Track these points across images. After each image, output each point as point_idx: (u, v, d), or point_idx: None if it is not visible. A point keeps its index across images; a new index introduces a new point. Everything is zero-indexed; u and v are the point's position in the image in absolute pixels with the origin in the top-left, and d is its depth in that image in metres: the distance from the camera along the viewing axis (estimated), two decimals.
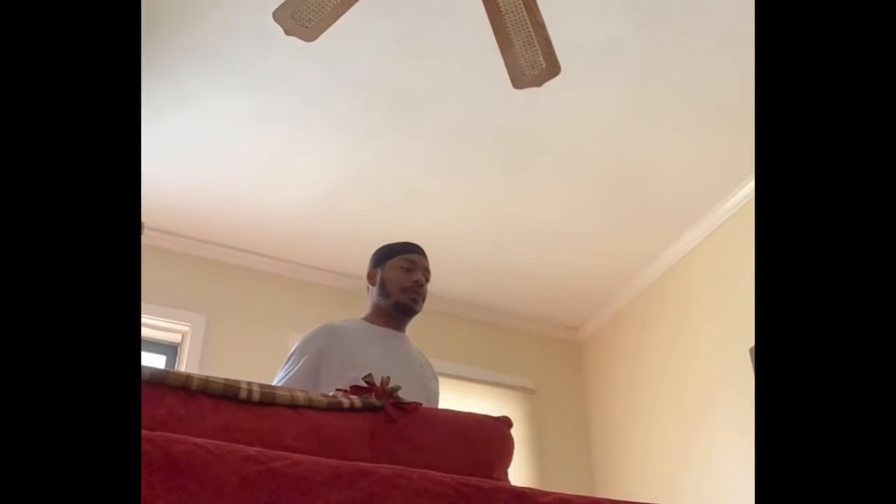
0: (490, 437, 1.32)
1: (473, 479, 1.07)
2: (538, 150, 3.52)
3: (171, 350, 3.97)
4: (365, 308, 2.45)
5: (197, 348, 3.86)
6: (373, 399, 1.26)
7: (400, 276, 2.27)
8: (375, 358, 2.03)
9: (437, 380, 2.29)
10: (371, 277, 2.37)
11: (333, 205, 3.90)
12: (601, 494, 4.04)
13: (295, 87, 3.24)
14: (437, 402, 2.19)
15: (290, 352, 2.17)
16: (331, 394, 1.29)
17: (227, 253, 4.18)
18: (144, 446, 0.91)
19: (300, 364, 2.07)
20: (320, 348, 2.09)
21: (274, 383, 2.03)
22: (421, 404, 1.32)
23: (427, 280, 2.30)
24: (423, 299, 2.29)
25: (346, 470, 0.99)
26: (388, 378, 1.34)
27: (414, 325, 5.04)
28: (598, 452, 4.36)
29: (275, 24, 2.37)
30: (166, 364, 3.91)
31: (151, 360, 3.87)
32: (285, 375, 2.07)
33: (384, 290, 2.29)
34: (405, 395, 1.90)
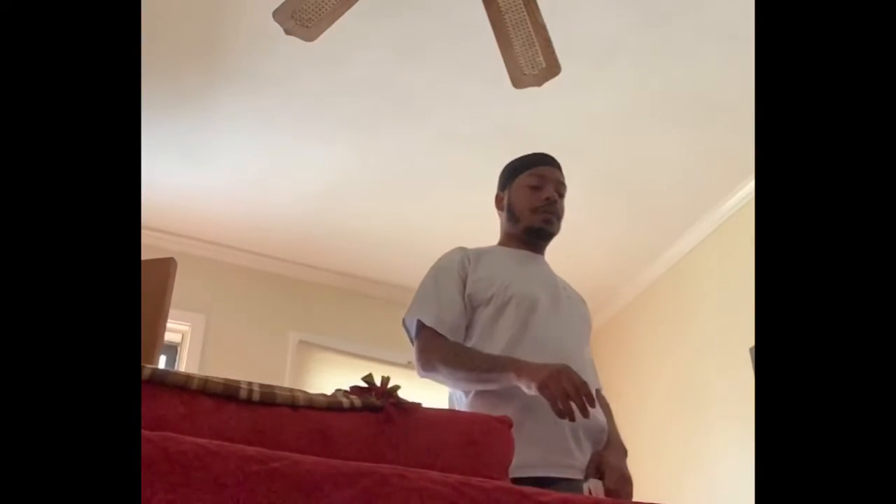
0: (490, 437, 1.32)
1: (473, 479, 1.07)
2: (538, 150, 3.51)
3: (171, 350, 3.97)
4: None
5: (197, 348, 3.86)
6: (373, 399, 1.26)
7: (528, 196, 1.99)
8: (515, 274, 1.87)
9: (585, 305, 2.04)
10: (498, 202, 2.11)
11: (333, 205, 3.90)
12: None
13: (295, 87, 3.24)
14: (588, 327, 1.98)
15: (420, 285, 1.92)
16: (329, 393, 1.29)
17: (227, 253, 4.18)
18: (144, 446, 0.91)
19: (439, 281, 1.88)
20: (460, 261, 1.91)
21: (406, 319, 1.88)
22: (420, 404, 1.31)
23: (562, 195, 2.02)
24: (559, 218, 2.00)
25: (347, 470, 0.99)
26: (388, 378, 1.34)
27: None
28: None
29: (274, 23, 2.37)
30: (166, 364, 3.91)
31: None
32: (422, 301, 1.86)
33: (513, 215, 2.03)
34: (547, 317, 1.81)
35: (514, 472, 1.50)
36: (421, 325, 1.81)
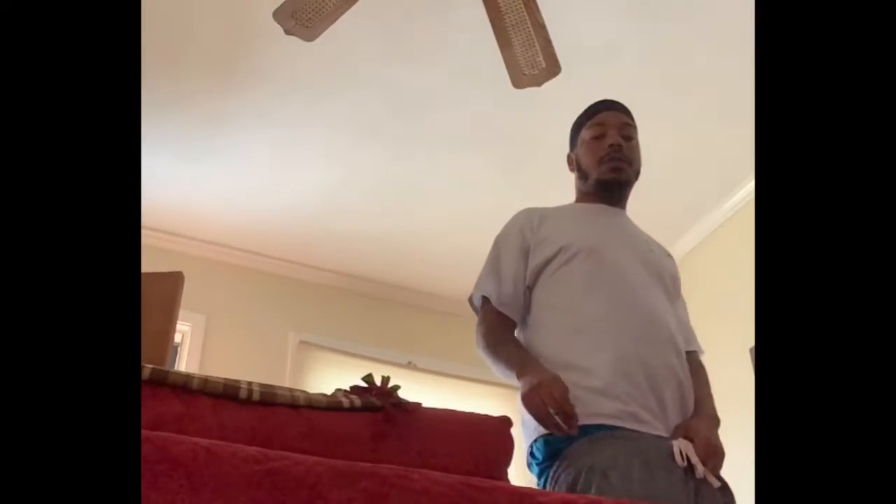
0: (490, 437, 1.32)
1: (473, 479, 1.07)
2: (538, 150, 3.51)
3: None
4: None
5: (197, 348, 3.86)
6: (373, 399, 1.26)
7: (592, 148, 1.85)
8: (583, 228, 1.77)
9: (672, 260, 1.92)
10: (569, 163, 1.96)
11: (333, 205, 3.90)
12: None
13: (295, 87, 3.24)
14: (676, 286, 1.85)
15: (487, 256, 1.87)
16: (329, 393, 1.29)
17: (227, 253, 4.18)
18: (144, 446, 0.91)
19: (499, 252, 1.83)
20: (520, 227, 1.83)
21: (474, 290, 1.82)
22: (420, 404, 1.31)
23: (630, 137, 1.86)
24: (630, 162, 1.85)
25: (347, 470, 0.99)
26: (388, 378, 1.34)
27: (413, 326, 5.01)
28: None
29: (275, 23, 2.37)
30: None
31: None
32: (482, 276, 1.82)
33: (582, 172, 1.89)
34: (621, 270, 1.70)
35: (587, 419, 1.48)
36: (481, 300, 1.79)
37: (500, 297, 1.75)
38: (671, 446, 1.50)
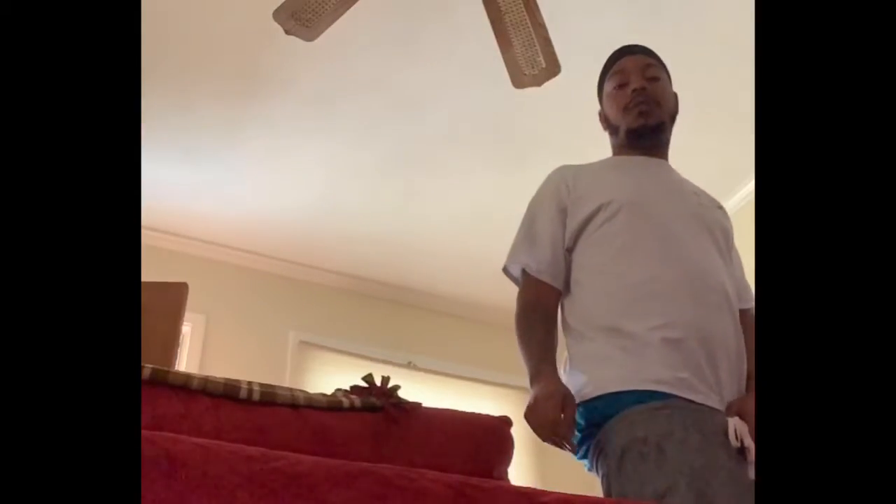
0: (490, 437, 1.32)
1: (473, 479, 1.07)
2: (538, 150, 3.52)
3: None
4: None
5: (197, 348, 3.86)
6: (373, 399, 1.26)
7: (616, 98, 1.74)
8: (622, 182, 1.65)
9: (724, 212, 1.78)
10: (601, 121, 1.84)
11: (333, 205, 3.90)
12: (602, 494, 4.03)
13: (295, 87, 3.24)
14: (728, 240, 1.72)
15: (521, 222, 1.74)
16: (329, 393, 1.29)
17: (227, 253, 4.18)
18: (144, 446, 0.91)
19: (534, 217, 1.70)
20: (555, 188, 1.70)
21: (508, 260, 1.71)
22: (420, 404, 1.31)
23: (655, 78, 1.72)
24: (659, 103, 1.71)
25: (347, 470, 0.99)
26: (388, 378, 1.34)
27: (414, 326, 5.00)
28: None
29: (274, 23, 2.37)
30: None
31: None
32: (517, 244, 1.70)
33: (612, 127, 1.78)
34: (668, 222, 1.57)
35: (637, 384, 1.38)
36: (520, 270, 1.67)
37: (538, 266, 1.63)
38: (726, 423, 1.35)
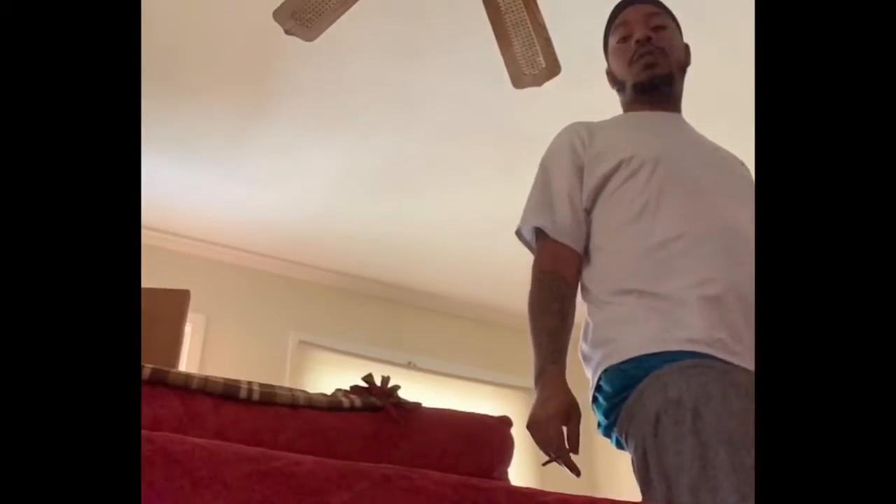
0: (490, 437, 1.32)
1: (473, 479, 1.07)
2: (538, 150, 3.50)
3: None
4: None
5: (197, 348, 3.86)
6: (373, 399, 1.26)
7: (620, 52, 1.66)
8: (639, 137, 1.54)
9: (746, 168, 1.66)
10: (609, 79, 1.77)
11: (333, 205, 3.90)
12: (602, 494, 4.03)
13: (295, 87, 3.24)
14: (751, 189, 1.54)
15: (533, 181, 1.64)
16: (329, 392, 1.29)
17: (227, 253, 4.18)
18: (144, 446, 0.90)
19: (548, 176, 1.59)
20: (570, 144, 1.59)
21: (520, 228, 1.60)
22: (420, 404, 1.31)
23: (661, 27, 1.64)
24: (665, 52, 1.62)
25: (347, 470, 0.99)
26: (388, 378, 1.33)
27: (414, 326, 4.99)
28: (598, 452, 4.36)
29: (274, 23, 2.37)
30: None
31: None
32: (531, 204, 1.58)
33: (619, 84, 1.70)
34: (690, 177, 1.46)
35: (669, 344, 1.27)
36: (533, 233, 1.55)
37: (556, 226, 1.49)
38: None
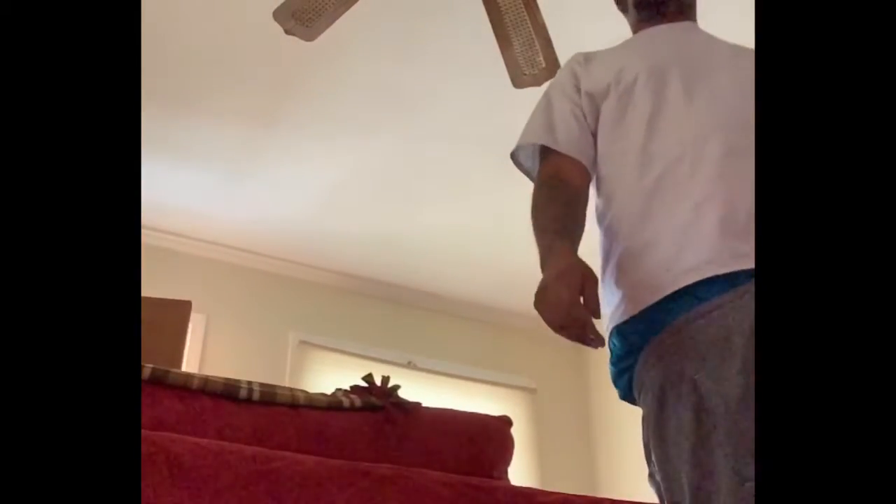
0: (490, 437, 1.32)
1: (473, 479, 1.07)
2: None
3: None
4: None
5: (197, 348, 3.85)
6: (373, 399, 1.26)
7: None
8: (640, 50, 1.45)
9: None
10: (617, 2, 1.70)
11: (333, 205, 3.90)
12: (603, 494, 4.04)
13: (295, 87, 3.24)
14: None
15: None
16: (329, 392, 1.29)
17: (227, 253, 4.18)
18: (145, 446, 0.91)
19: (550, 100, 1.48)
20: (570, 69, 1.49)
21: (515, 151, 1.49)
22: (420, 404, 1.31)
23: None
24: None
25: (347, 470, 0.99)
26: (388, 377, 1.34)
27: (414, 326, 4.98)
28: (599, 452, 4.36)
29: (274, 23, 2.37)
30: None
31: None
32: (530, 125, 1.48)
33: (622, 4, 1.63)
34: (694, 87, 1.32)
35: (683, 276, 1.12)
36: (539, 152, 1.42)
37: (559, 141, 1.37)
38: None
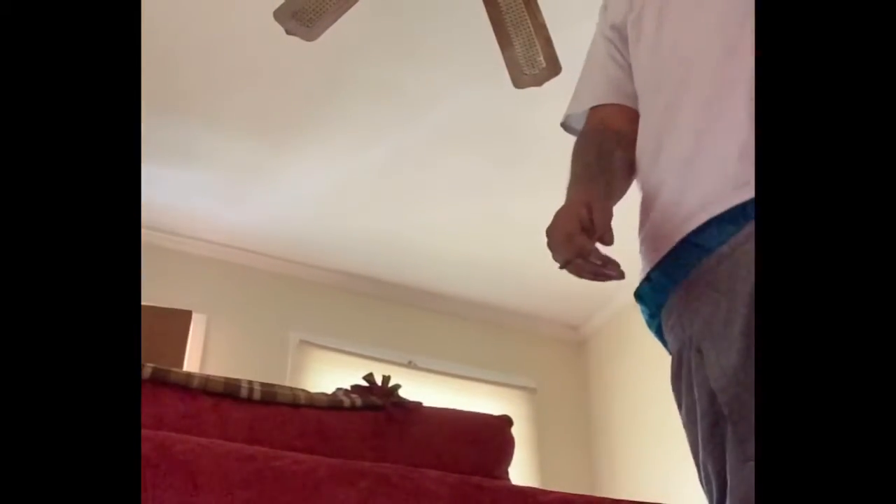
0: (490, 436, 1.32)
1: (474, 479, 1.07)
2: (538, 150, 3.51)
3: None
4: None
5: (197, 348, 3.86)
6: (374, 398, 1.26)
7: None
8: None
9: None
10: None
11: (334, 204, 3.90)
12: (603, 494, 4.04)
13: (293, 88, 3.24)
14: None
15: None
16: (330, 392, 1.29)
17: (227, 253, 4.18)
18: (145, 446, 0.91)
19: (587, 59, 1.47)
20: (597, 26, 1.47)
21: (568, 110, 1.48)
22: (421, 403, 1.31)
23: None
24: None
25: (347, 469, 1.00)
26: (389, 377, 1.34)
27: (414, 326, 4.99)
28: (599, 451, 4.36)
29: (274, 23, 2.37)
30: None
31: None
32: (583, 79, 1.47)
33: None
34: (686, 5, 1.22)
35: (693, 218, 1.05)
36: (586, 115, 1.40)
37: (595, 95, 1.37)
38: None
